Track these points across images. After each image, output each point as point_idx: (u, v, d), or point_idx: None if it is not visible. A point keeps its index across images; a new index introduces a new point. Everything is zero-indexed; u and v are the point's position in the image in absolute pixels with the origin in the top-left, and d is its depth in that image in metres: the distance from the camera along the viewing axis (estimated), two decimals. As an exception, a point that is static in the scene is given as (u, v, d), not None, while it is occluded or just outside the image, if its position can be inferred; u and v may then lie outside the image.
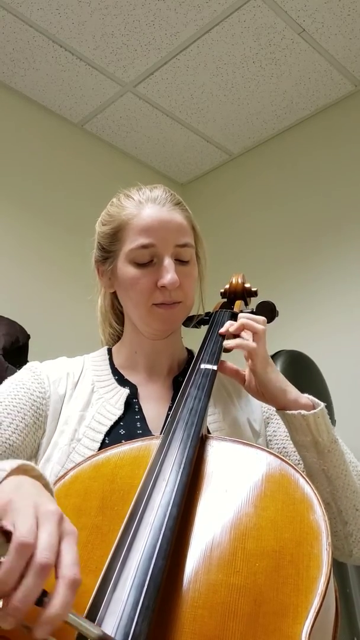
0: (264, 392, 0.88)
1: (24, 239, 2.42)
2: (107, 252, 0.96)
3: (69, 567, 0.48)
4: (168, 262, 0.90)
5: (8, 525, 0.48)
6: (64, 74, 2.43)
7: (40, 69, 2.40)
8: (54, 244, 2.48)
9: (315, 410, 0.84)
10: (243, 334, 0.90)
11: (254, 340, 0.88)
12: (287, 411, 0.86)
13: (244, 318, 0.90)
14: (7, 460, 0.61)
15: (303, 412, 0.84)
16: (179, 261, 0.93)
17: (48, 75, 2.44)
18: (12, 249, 2.36)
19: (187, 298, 0.94)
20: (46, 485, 0.59)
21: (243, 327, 0.89)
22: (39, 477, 0.60)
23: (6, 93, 2.51)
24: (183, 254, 0.93)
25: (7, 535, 0.48)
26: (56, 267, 2.44)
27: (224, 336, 0.93)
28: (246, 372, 0.91)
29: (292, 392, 0.88)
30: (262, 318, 0.92)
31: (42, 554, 0.47)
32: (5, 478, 0.56)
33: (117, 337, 1.07)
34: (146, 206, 0.92)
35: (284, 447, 0.96)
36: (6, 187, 2.41)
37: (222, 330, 0.92)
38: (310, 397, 0.90)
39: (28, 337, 2.04)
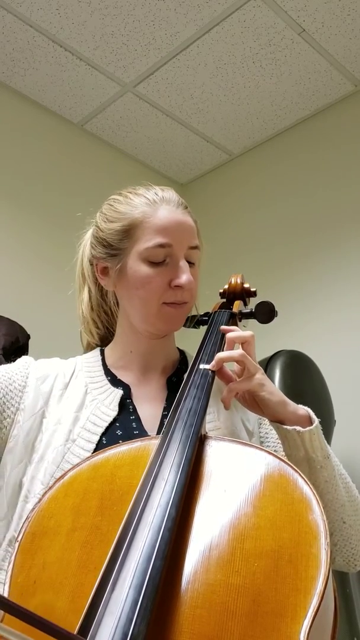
0: (263, 407, 0.87)
1: (24, 239, 2.42)
2: (116, 249, 0.95)
3: None
4: (183, 262, 0.92)
5: None
6: (64, 74, 2.43)
7: (40, 69, 2.40)
8: (54, 244, 2.48)
9: (310, 427, 0.83)
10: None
11: (240, 365, 0.87)
12: (283, 426, 0.85)
13: (217, 356, 0.86)
14: None
15: (298, 428, 0.83)
16: (188, 262, 0.94)
17: (48, 75, 2.44)
18: (12, 249, 2.36)
19: (192, 299, 0.97)
20: None
21: (222, 362, 0.87)
22: None
23: (6, 93, 2.51)
24: (192, 256, 0.95)
25: None
26: (56, 267, 2.42)
27: (223, 336, 0.94)
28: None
29: (290, 404, 0.87)
30: (248, 333, 0.90)
31: None
32: None
33: (102, 337, 1.07)
34: (161, 206, 0.93)
35: (275, 451, 0.95)
36: (6, 187, 2.41)
37: (210, 367, 0.86)
38: (307, 408, 0.89)
39: (28, 337, 2.04)
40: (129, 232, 0.94)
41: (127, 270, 0.94)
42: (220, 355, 0.86)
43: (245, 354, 0.86)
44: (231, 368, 0.91)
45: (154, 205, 0.93)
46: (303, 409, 0.88)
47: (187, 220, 0.95)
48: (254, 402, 0.88)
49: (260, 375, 0.86)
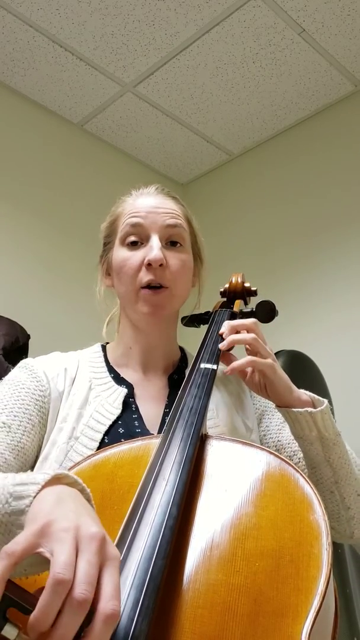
0: (269, 389, 0.89)
1: (24, 239, 2.42)
2: (106, 244, 1.01)
3: (108, 600, 0.45)
4: (155, 241, 0.93)
5: (46, 553, 0.46)
6: (64, 74, 2.43)
7: (40, 69, 2.40)
8: (54, 244, 2.48)
9: (322, 407, 0.86)
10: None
11: (252, 349, 0.89)
12: (294, 409, 0.86)
13: (231, 337, 0.89)
14: (37, 472, 0.57)
15: (310, 409, 0.85)
16: (170, 244, 0.96)
17: (48, 75, 2.44)
18: (11, 249, 2.36)
19: (175, 284, 0.94)
20: (82, 491, 0.57)
21: (233, 344, 0.89)
22: (75, 484, 0.57)
23: (6, 93, 2.50)
24: (174, 236, 0.96)
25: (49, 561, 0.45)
26: (56, 267, 2.44)
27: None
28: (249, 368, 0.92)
29: (295, 389, 0.89)
30: (251, 320, 0.91)
31: (80, 589, 0.43)
32: (39, 491, 0.53)
33: None
34: (139, 197, 0.99)
35: (278, 440, 0.97)
36: (6, 188, 2.41)
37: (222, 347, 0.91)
38: (308, 392, 0.91)
39: (28, 337, 2.04)
40: (112, 225, 1.00)
41: (112, 260, 0.98)
42: (234, 337, 0.88)
43: (257, 338, 0.88)
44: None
45: (134, 199, 0.99)
46: (305, 394, 0.90)
47: (163, 203, 0.97)
48: (264, 385, 0.89)
49: (272, 361, 0.88)
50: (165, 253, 0.93)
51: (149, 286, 0.92)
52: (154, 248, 0.91)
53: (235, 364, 0.86)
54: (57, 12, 2.13)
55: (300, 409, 0.86)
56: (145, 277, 0.92)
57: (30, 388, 0.91)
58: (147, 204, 0.96)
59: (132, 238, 0.94)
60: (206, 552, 0.59)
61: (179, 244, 0.96)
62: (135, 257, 0.93)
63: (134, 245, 0.94)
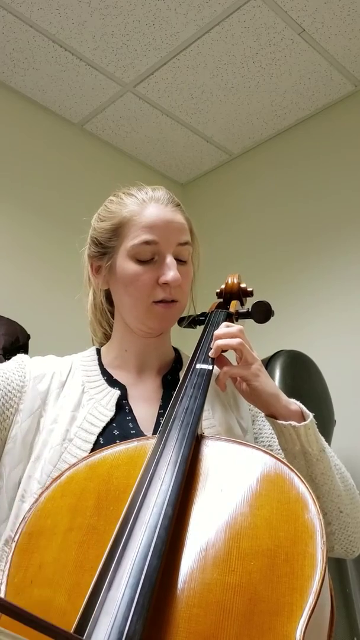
0: (254, 395, 0.89)
1: (24, 239, 2.42)
2: (105, 247, 0.97)
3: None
4: (170, 259, 0.92)
5: None
6: (64, 74, 2.43)
7: (40, 69, 2.40)
8: (54, 244, 2.48)
9: (306, 422, 0.85)
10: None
11: (238, 354, 0.90)
12: (278, 421, 0.87)
13: (217, 340, 0.91)
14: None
15: (294, 423, 0.85)
16: (178, 260, 0.94)
17: (48, 75, 2.44)
18: (12, 249, 2.37)
19: (184, 297, 0.96)
20: None
21: (220, 350, 0.90)
22: None
23: (6, 93, 2.51)
24: (182, 253, 0.95)
25: None
26: (56, 267, 2.44)
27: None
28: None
29: (283, 398, 0.89)
30: (237, 327, 0.92)
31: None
32: None
33: (108, 336, 1.07)
34: (149, 205, 0.94)
35: (269, 445, 0.97)
36: (6, 188, 2.42)
37: (211, 353, 0.92)
38: (298, 403, 0.91)
39: (28, 337, 2.04)
40: (117, 230, 0.95)
41: (117, 269, 0.95)
42: (218, 342, 0.89)
43: (243, 343, 0.88)
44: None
45: (142, 204, 0.94)
46: (295, 404, 0.89)
47: (176, 218, 0.94)
48: (250, 393, 0.90)
49: (257, 366, 0.89)
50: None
51: (162, 301, 0.93)
52: (172, 269, 0.90)
53: (218, 378, 0.89)
54: (57, 12, 2.13)
55: (284, 422, 0.86)
56: (160, 294, 0.92)
57: (9, 378, 0.92)
58: (159, 216, 0.92)
59: (146, 256, 0.92)
60: (201, 551, 0.59)
61: (185, 260, 0.96)
62: (148, 274, 0.92)
63: (145, 261, 0.93)
